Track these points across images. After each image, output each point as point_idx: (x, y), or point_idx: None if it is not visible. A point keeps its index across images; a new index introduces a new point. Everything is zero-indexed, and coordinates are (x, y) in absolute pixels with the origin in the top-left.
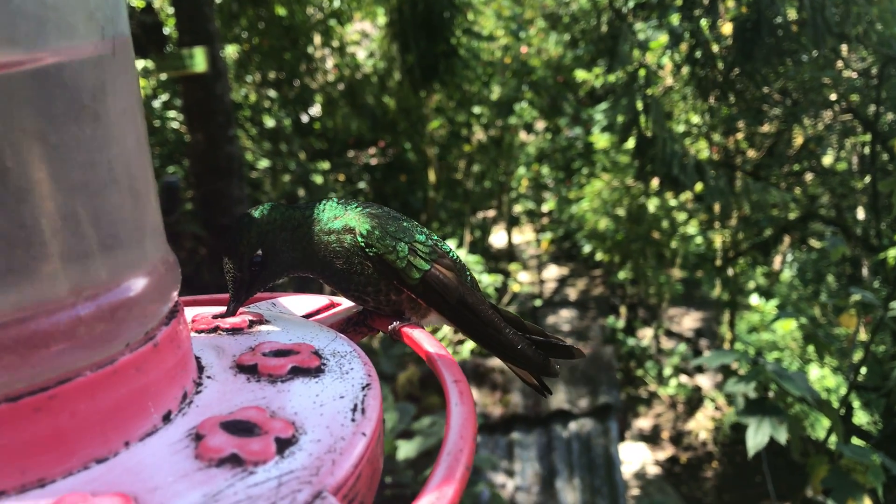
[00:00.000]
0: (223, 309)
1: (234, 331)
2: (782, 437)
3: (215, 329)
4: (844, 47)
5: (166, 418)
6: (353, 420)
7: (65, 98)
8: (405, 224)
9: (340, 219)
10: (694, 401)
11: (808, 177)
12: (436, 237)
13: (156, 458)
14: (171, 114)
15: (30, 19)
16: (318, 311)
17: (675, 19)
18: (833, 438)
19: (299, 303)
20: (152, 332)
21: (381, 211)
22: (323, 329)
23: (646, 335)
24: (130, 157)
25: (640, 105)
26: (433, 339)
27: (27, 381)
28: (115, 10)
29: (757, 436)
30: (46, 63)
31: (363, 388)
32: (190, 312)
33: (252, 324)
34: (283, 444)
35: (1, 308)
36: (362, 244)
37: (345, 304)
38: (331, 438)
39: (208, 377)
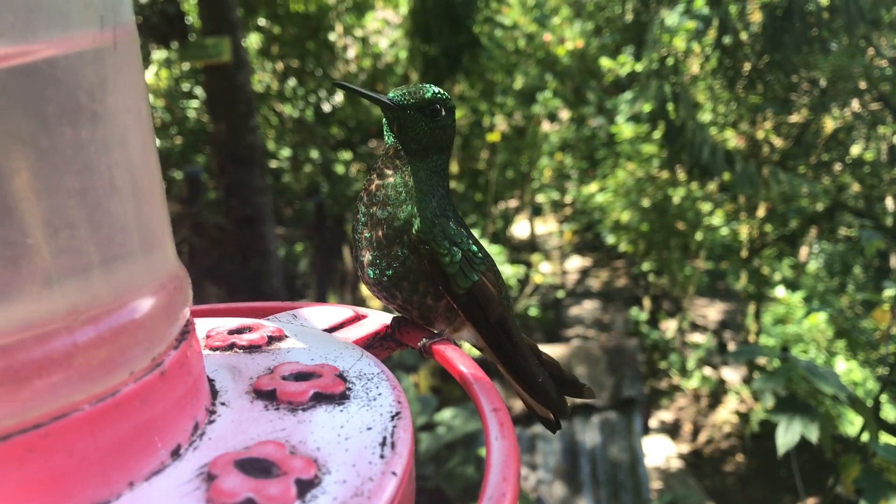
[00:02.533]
0: (241, 322)
1: (252, 348)
2: (814, 436)
3: (231, 346)
4: (875, 34)
5: (175, 454)
6: (381, 457)
7: (58, 97)
8: (464, 230)
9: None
10: (718, 394)
11: (837, 167)
12: (481, 246)
13: (163, 502)
14: (194, 103)
15: (17, 7)
16: (341, 325)
17: (700, 3)
18: (865, 436)
19: (322, 314)
20: (159, 357)
21: (450, 210)
22: (347, 346)
23: (669, 327)
24: (135, 161)
25: (668, 91)
26: (468, 359)
27: (18, 418)
28: None
29: (787, 434)
30: (37, 58)
31: (392, 418)
32: (204, 326)
33: (271, 340)
34: (305, 487)
35: None
36: (416, 236)
37: (371, 316)
38: (357, 479)
39: (222, 404)
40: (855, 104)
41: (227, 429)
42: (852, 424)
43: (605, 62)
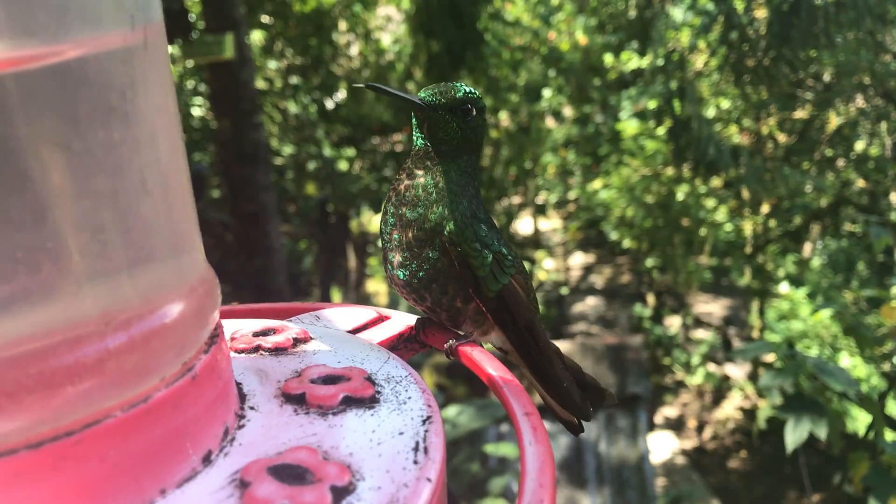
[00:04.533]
0: (264, 324)
1: (278, 350)
2: (822, 433)
3: (257, 349)
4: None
5: (206, 460)
6: (415, 462)
7: (90, 98)
8: (495, 233)
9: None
10: (722, 390)
11: (840, 163)
12: (511, 248)
13: None
14: (198, 100)
15: (49, 6)
16: (365, 326)
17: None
18: (872, 432)
19: (344, 315)
20: (190, 362)
21: (481, 212)
22: (374, 348)
23: (673, 323)
24: (164, 162)
25: (674, 86)
26: (496, 362)
27: (50, 425)
28: None
29: (796, 431)
30: (68, 57)
31: (424, 422)
32: (228, 328)
33: (296, 342)
34: (339, 494)
35: (19, 339)
36: (448, 237)
37: (394, 317)
38: (392, 486)
39: (251, 408)
40: (860, 100)
41: (257, 434)
42: (855, 421)
43: (608, 59)
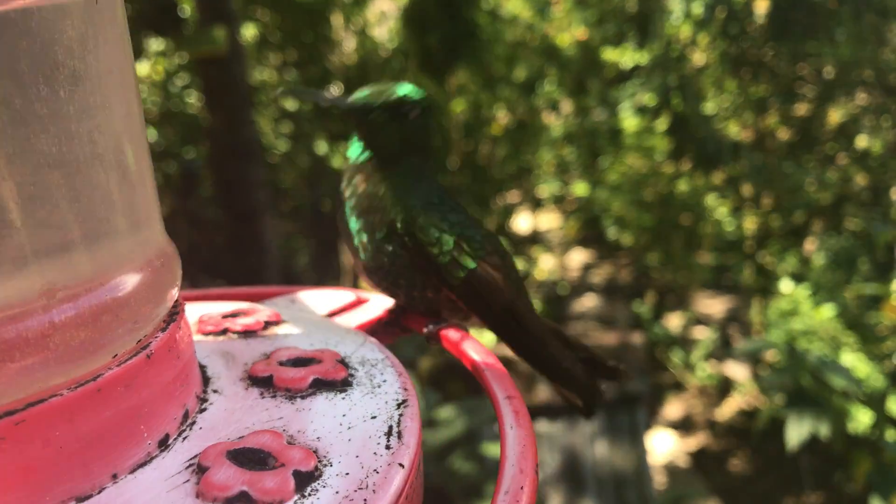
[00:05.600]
0: (235, 306)
1: (247, 333)
2: (825, 431)
3: (225, 331)
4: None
5: (163, 444)
6: (387, 447)
7: (33, 52)
8: (457, 216)
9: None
10: (723, 388)
11: (842, 160)
12: (485, 230)
13: (149, 496)
14: (190, 95)
15: None
16: (342, 310)
17: None
18: (876, 430)
19: (321, 299)
20: (146, 339)
21: (436, 199)
22: (349, 331)
23: (673, 321)
24: (119, 127)
25: (674, 80)
26: (479, 345)
27: None
28: None
29: (798, 430)
30: (8, 7)
31: (398, 406)
32: (196, 311)
33: (268, 325)
34: (304, 480)
35: None
36: (400, 230)
37: (373, 300)
38: (361, 471)
39: (214, 391)
40: (861, 96)
41: (219, 417)
42: (854, 420)
43: (607, 53)
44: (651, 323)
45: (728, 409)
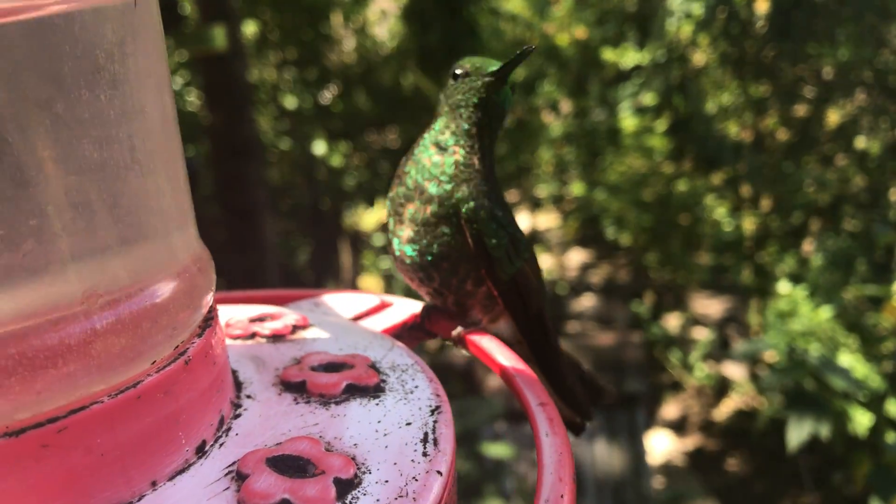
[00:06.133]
0: (261, 310)
1: (276, 338)
2: (825, 432)
3: (253, 335)
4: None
5: (200, 451)
6: (424, 454)
7: (75, 56)
8: (507, 214)
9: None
10: (721, 389)
11: (841, 160)
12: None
13: (190, 503)
14: (190, 94)
15: None
16: (367, 313)
17: None
18: (875, 433)
19: (345, 302)
20: (183, 345)
21: (494, 192)
22: (377, 336)
23: (672, 322)
24: (155, 132)
25: (675, 77)
26: (507, 350)
27: (32, 411)
28: None
29: (798, 431)
30: (52, 11)
31: (432, 413)
32: (223, 314)
33: (295, 329)
34: (344, 487)
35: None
36: (465, 214)
37: (397, 303)
38: (400, 479)
39: (248, 396)
40: (860, 96)
41: (254, 423)
42: (853, 422)
43: (607, 53)
44: (649, 323)
45: (725, 410)
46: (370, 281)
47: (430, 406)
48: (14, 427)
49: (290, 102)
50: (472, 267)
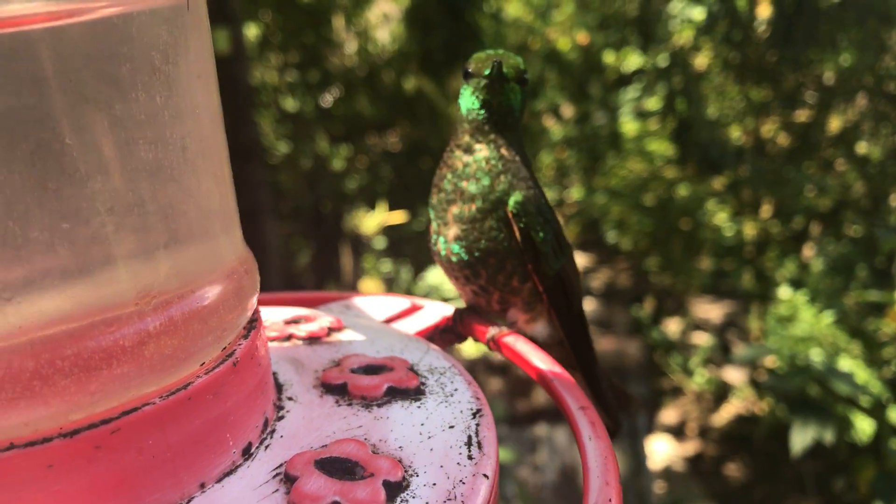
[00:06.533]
0: (295, 311)
1: (312, 340)
2: (829, 438)
3: (289, 337)
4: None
5: (246, 452)
6: (469, 458)
7: (132, 58)
8: (551, 211)
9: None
10: (721, 394)
11: (841, 165)
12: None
13: None
14: None
15: None
16: (398, 316)
17: None
18: (877, 438)
19: (376, 305)
20: (230, 347)
21: (535, 182)
22: (412, 338)
23: (672, 327)
24: (206, 133)
25: (678, 82)
26: (543, 353)
27: (86, 412)
28: None
29: (802, 436)
30: (110, 13)
31: (474, 416)
32: None
33: (331, 331)
34: (394, 490)
35: (55, 318)
36: (512, 209)
37: (428, 306)
38: (448, 482)
39: (289, 398)
40: (861, 101)
41: (298, 425)
42: (854, 427)
43: (608, 58)
44: (650, 327)
45: (726, 415)
46: (371, 284)
47: (472, 409)
48: (68, 428)
49: (291, 105)
50: (518, 262)
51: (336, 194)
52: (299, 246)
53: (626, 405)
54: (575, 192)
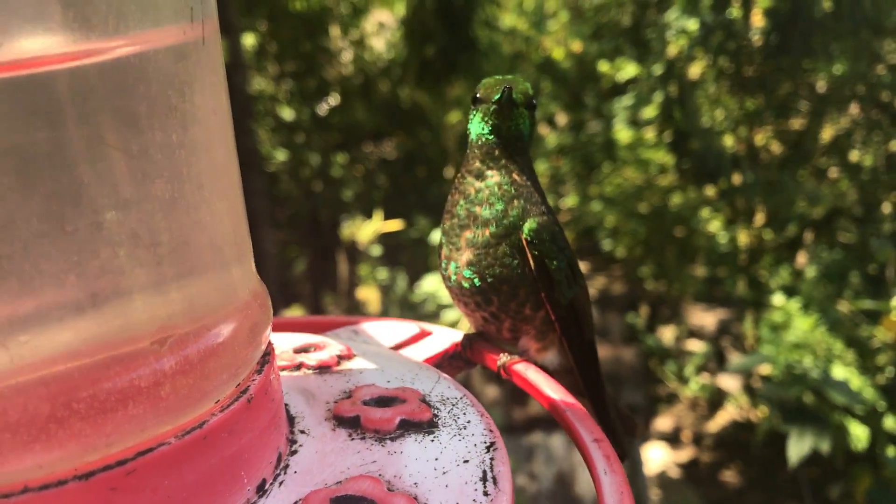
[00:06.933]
0: (304, 339)
1: (322, 369)
2: (825, 446)
3: (299, 367)
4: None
5: (261, 490)
6: (485, 494)
7: (149, 96)
8: (564, 238)
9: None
10: (716, 401)
11: (834, 174)
12: None
13: None
14: None
15: None
16: (407, 342)
17: (707, 2)
18: (873, 446)
19: (384, 330)
20: (244, 383)
21: (548, 208)
22: (422, 367)
23: (667, 334)
24: (221, 168)
25: (673, 91)
26: (555, 383)
27: (101, 453)
28: None
29: (799, 445)
30: (127, 52)
31: (488, 449)
32: None
33: (340, 360)
34: None
35: (69, 352)
36: (527, 237)
37: (436, 332)
38: None
39: (302, 432)
40: (854, 110)
41: (311, 461)
42: (850, 436)
43: (603, 67)
44: (645, 335)
45: (720, 421)
46: (367, 292)
47: (485, 442)
48: (83, 470)
49: (287, 114)
50: (531, 290)
51: (332, 202)
52: (296, 254)
53: (632, 432)
54: (570, 200)
